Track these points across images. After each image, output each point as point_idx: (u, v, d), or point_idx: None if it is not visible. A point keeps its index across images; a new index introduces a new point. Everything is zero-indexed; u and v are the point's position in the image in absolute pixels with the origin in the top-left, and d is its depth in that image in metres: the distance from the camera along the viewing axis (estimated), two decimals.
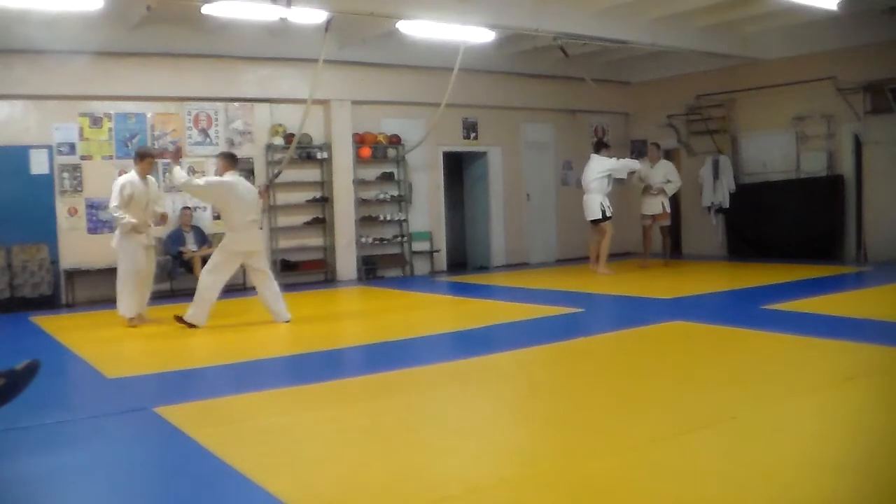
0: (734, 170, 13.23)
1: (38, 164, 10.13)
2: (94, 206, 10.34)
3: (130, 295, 8.02)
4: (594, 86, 12.90)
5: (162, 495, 3.38)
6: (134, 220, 7.90)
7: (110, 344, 7.33)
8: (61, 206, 10.30)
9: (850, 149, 12.13)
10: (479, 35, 10.68)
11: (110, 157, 10.55)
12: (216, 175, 8.25)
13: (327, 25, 9.76)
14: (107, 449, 4.07)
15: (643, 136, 14.58)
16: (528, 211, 14.27)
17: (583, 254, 13.96)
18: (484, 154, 13.83)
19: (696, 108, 13.73)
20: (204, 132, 11.30)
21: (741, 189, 13.16)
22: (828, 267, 11.14)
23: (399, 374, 5.51)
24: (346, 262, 12.22)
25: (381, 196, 12.57)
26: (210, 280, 7.66)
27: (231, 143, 11.47)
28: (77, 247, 10.30)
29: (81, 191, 10.39)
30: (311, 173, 12.15)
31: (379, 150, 12.48)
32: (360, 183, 12.35)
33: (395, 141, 12.61)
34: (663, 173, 12.18)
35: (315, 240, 12.22)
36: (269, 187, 11.60)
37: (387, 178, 12.64)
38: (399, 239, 12.81)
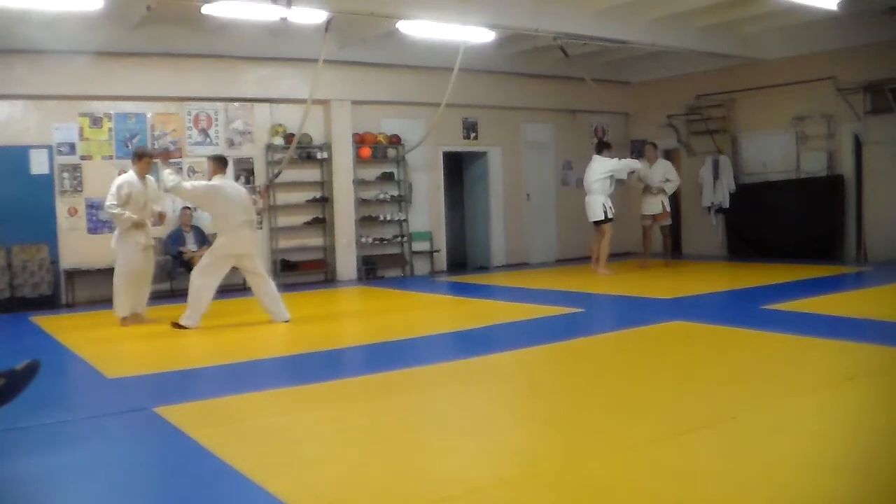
0: (734, 170, 13.23)
1: (38, 164, 10.13)
2: (94, 206, 10.34)
3: (125, 295, 8.06)
4: (594, 86, 12.90)
5: (162, 495, 3.38)
6: (134, 217, 7.93)
7: (110, 344, 7.32)
8: (61, 206, 10.30)
9: (850, 149, 12.13)
10: (479, 35, 10.68)
11: (110, 157, 10.55)
12: (208, 178, 8.22)
13: (327, 25, 9.77)
14: (107, 449, 4.07)
15: (643, 136, 14.56)
16: (528, 211, 14.27)
17: (583, 254, 13.97)
18: (484, 154, 13.83)
19: (696, 108, 13.73)
20: (204, 132, 11.30)
21: (741, 189, 13.16)
22: (828, 267, 11.14)
23: (399, 374, 5.50)
24: (346, 262, 12.22)
25: (381, 196, 12.57)
26: (201, 282, 7.66)
27: (231, 143, 11.48)
28: (77, 247, 10.30)
29: (81, 191, 10.39)
30: (311, 173, 12.15)
31: (379, 150, 12.48)
32: (360, 183, 12.35)
33: (395, 141, 12.61)
34: (662, 172, 12.18)
35: (315, 240, 12.22)
36: (269, 187, 11.61)
37: (387, 178, 12.64)
38: (399, 239, 12.82)
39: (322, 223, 12.21)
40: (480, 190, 14.01)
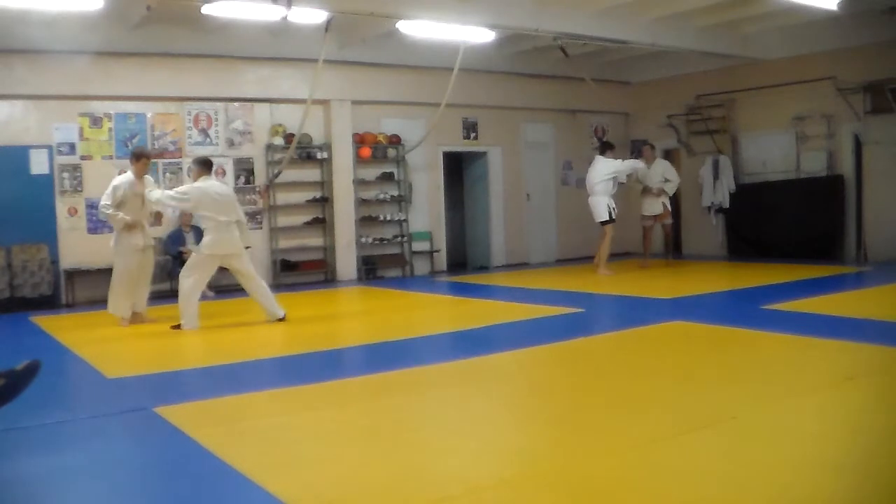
0: (734, 170, 13.23)
1: (38, 164, 10.13)
2: (94, 206, 10.29)
3: (122, 296, 8.09)
4: (594, 86, 12.90)
5: (162, 495, 3.38)
6: (127, 218, 7.94)
7: (110, 344, 7.33)
8: (61, 206, 10.30)
9: (850, 149, 12.12)
10: (479, 35, 10.68)
11: (110, 157, 10.55)
12: (193, 180, 8.21)
13: (327, 25, 9.77)
14: (107, 449, 4.07)
15: (643, 136, 14.55)
16: (528, 211, 14.27)
17: (582, 254, 13.98)
18: (484, 154, 13.83)
19: (696, 108, 13.73)
20: (204, 132, 11.30)
21: (741, 189, 13.16)
22: (828, 267, 11.14)
23: (399, 374, 5.50)
24: (346, 262, 12.22)
25: (381, 196, 12.57)
26: (189, 283, 7.67)
27: (231, 143, 11.48)
28: (77, 247, 10.30)
29: (81, 191, 10.39)
30: (311, 173, 12.15)
31: (379, 150, 12.48)
32: (360, 183, 12.35)
33: (395, 141, 12.61)
34: (661, 172, 12.16)
35: (315, 240, 12.22)
36: (269, 187, 11.62)
37: (387, 178, 12.64)
38: (399, 239, 12.81)
39: (322, 223, 12.21)
40: (480, 190, 14.01)
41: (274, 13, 8.80)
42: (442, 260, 13.40)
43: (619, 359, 5.98)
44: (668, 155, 13.86)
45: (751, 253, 13.01)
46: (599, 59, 13.88)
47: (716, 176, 13.23)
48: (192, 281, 7.68)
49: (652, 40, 11.57)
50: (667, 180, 12.16)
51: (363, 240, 12.41)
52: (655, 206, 12.21)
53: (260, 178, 11.70)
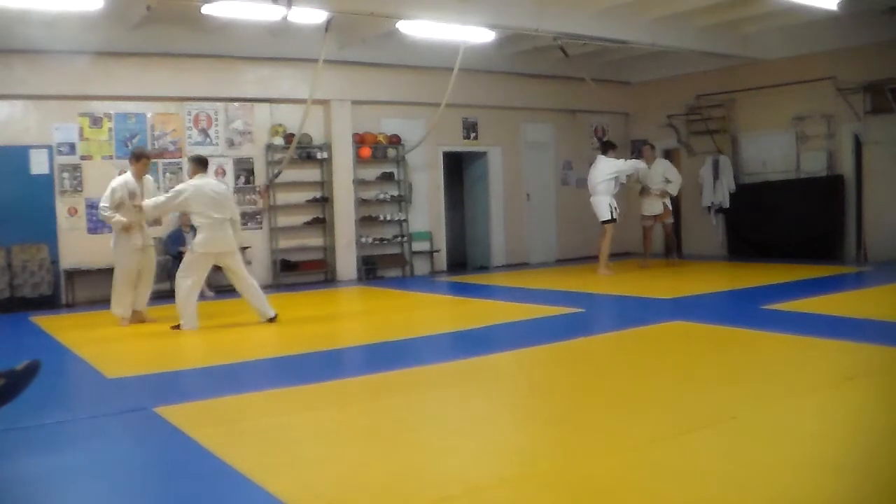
0: (734, 170, 13.23)
1: (38, 164, 10.13)
2: (94, 206, 10.28)
3: (122, 295, 8.11)
4: (594, 86, 12.90)
5: (162, 495, 3.38)
6: (124, 219, 7.95)
7: (110, 344, 7.33)
8: (61, 206, 10.30)
9: (850, 149, 12.13)
10: (479, 35, 10.68)
11: (110, 157, 10.55)
12: (189, 178, 8.21)
13: (327, 25, 9.77)
14: (107, 449, 4.07)
15: (643, 136, 14.56)
16: (528, 211, 14.27)
17: (583, 254, 14.00)
18: (484, 154, 13.83)
19: (696, 108, 13.73)
20: (204, 132, 11.30)
21: (741, 189, 13.16)
22: (828, 267, 11.14)
23: (399, 374, 5.50)
24: (346, 262, 12.22)
25: (381, 196, 12.57)
26: (186, 284, 7.68)
27: (231, 143, 11.48)
28: (77, 247, 10.30)
29: (81, 191, 10.39)
30: (311, 173, 12.15)
31: (379, 150, 12.48)
32: (360, 183, 12.35)
33: (395, 141, 12.61)
34: (661, 172, 12.15)
35: (315, 240, 12.22)
36: (269, 187, 11.62)
37: (387, 178, 12.64)
38: (399, 239, 12.81)
39: (322, 223, 12.21)
40: (480, 190, 14.01)
41: (274, 13, 8.81)
42: (442, 260, 13.40)
43: (619, 359, 5.98)
44: (668, 155, 13.86)
45: (751, 253, 13.01)
46: (599, 59, 13.88)
47: (716, 176, 13.23)
48: (188, 281, 7.68)
49: (652, 40, 11.57)
50: (668, 181, 12.15)
51: (363, 240, 12.41)
52: (656, 205, 12.21)
53: (260, 178, 11.70)
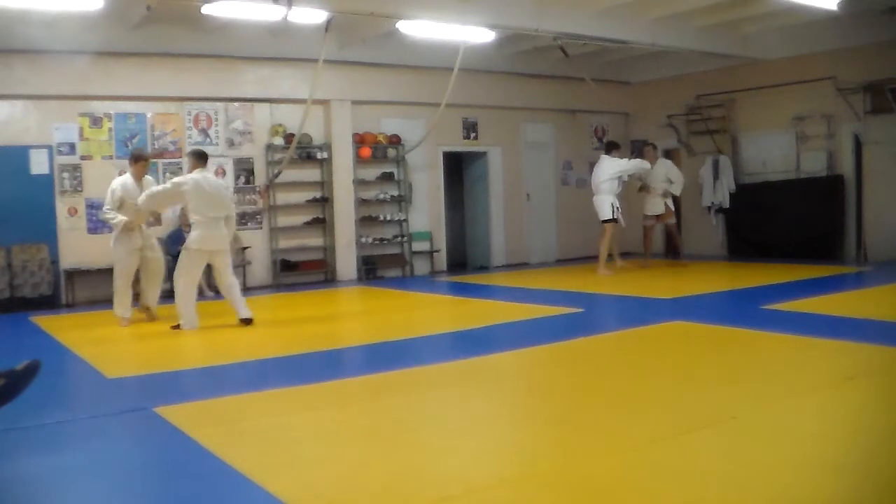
0: (734, 170, 13.23)
1: (38, 164, 10.13)
2: (94, 206, 10.32)
3: (122, 295, 8.13)
4: (594, 86, 12.90)
5: (162, 495, 3.38)
6: (124, 218, 7.98)
7: (110, 344, 7.33)
8: (61, 206, 10.30)
9: (850, 149, 12.13)
10: (479, 35, 10.68)
11: (110, 157, 10.55)
12: (188, 173, 8.19)
13: (327, 25, 9.77)
14: (107, 449, 4.07)
15: (643, 136, 14.57)
16: (528, 211, 14.27)
17: (583, 254, 14.00)
18: (484, 154, 13.83)
19: (696, 108, 13.73)
20: (204, 132, 11.30)
21: (741, 189, 13.16)
22: (828, 267, 11.14)
23: (399, 374, 5.51)
24: (346, 262, 12.22)
25: (381, 196, 12.57)
26: (182, 283, 7.68)
27: (231, 143, 11.48)
28: (77, 247, 10.30)
29: (81, 191, 10.39)
30: (311, 173, 12.15)
31: (379, 150, 12.48)
32: (360, 183, 12.35)
33: (395, 141, 12.61)
34: (663, 172, 12.13)
35: (315, 240, 12.22)
36: (269, 187, 11.62)
37: (387, 178, 12.64)
38: (399, 239, 12.81)
39: (322, 223, 12.21)
40: (480, 190, 14.01)
41: (274, 13, 8.81)
42: (442, 260, 13.40)
43: (619, 359, 5.98)
44: (668, 155, 13.84)
45: (751, 253, 13.01)
46: (599, 59, 13.88)
47: (716, 176, 13.23)
48: (184, 280, 7.67)
49: (652, 40, 11.57)
50: (670, 181, 12.13)
51: (363, 240, 12.41)
52: (657, 205, 12.19)
53: (260, 178, 11.70)
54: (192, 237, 7.74)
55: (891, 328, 6.36)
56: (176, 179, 8.00)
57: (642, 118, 14.95)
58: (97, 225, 10.34)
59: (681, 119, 14.08)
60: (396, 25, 10.08)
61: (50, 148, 10.20)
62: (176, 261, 10.33)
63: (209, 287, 10.01)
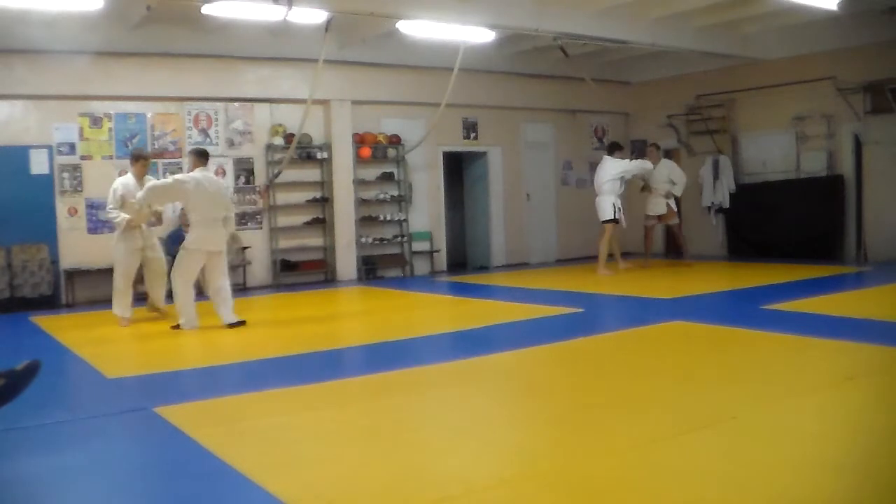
0: (734, 170, 13.23)
1: (38, 164, 10.13)
2: (94, 206, 10.33)
3: (122, 295, 8.13)
4: (594, 86, 12.90)
5: (162, 495, 3.38)
6: (127, 216, 8.00)
7: (110, 344, 7.33)
8: (61, 206, 10.30)
9: (850, 149, 12.13)
10: (479, 35, 10.68)
11: (110, 157, 10.55)
12: (189, 171, 8.18)
13: (327, 25, 9.77)
14: (107, 449, 4.07)
15: (643, 136, 14.58)
16: (528, 211, 14.27)
17: (583, 254, 14.00)
18: (484, 154, 13.83)
19: (696, 108, 13.73)
20: (204, 132, 11.30)
21: (741, 189, 13.16)
22: (828, 267, 11.14)
23: (399, 374, 5.51)
24: (346, 262, 12.22)
25: (381, 196, 12.57)
26: (181, 281, 7.66)
27: (231, 143, 11.48)
28: (77, 247, 10.30)
29: (81, 191, 10.39)
30: (311, 173, 12.15)
31: (379, 150, 12.48)
32: (360, 183, 12.35)
33: (395, 141, 12.61)
34: (666, 173, 12.11)
35: (315, 240, 12.22)
36: (269, 187, 11.62)
37: (387, 178, 12.64)
38: (399, 239, 12.81)
39: (322, 223, 12.21)
40: (480, 190, 14.01)
41: (274, 13, 8.80)
42: (442, 260, 13.40)
43: (619, 359, 5.98)
44: (668, 155, 13.82)
45: (751, 253, 13.01)
46: (599, 59, 13.87)
47: (716, 176, 13.23)
48: (181, 280, 7.65)
49: (652, 40, 11.57)
50: (673, 182, 12.12)
51: (363, 240, 12.41)
52: (660, 206, 12.17)
53: (260, 178, 11.70)
54: (191, 237, 7.72)
55: (891, 328, 6.36)
56: (178, 176, 7.99)
57: (642, 118, 14.94)
58: (97, 225, 10.35)
59: (681, 119, 14.08)
60: (396, 25, 10.07)
61: (50, 148, 10.20)
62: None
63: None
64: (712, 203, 13.37)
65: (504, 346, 6.42)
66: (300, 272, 11.95)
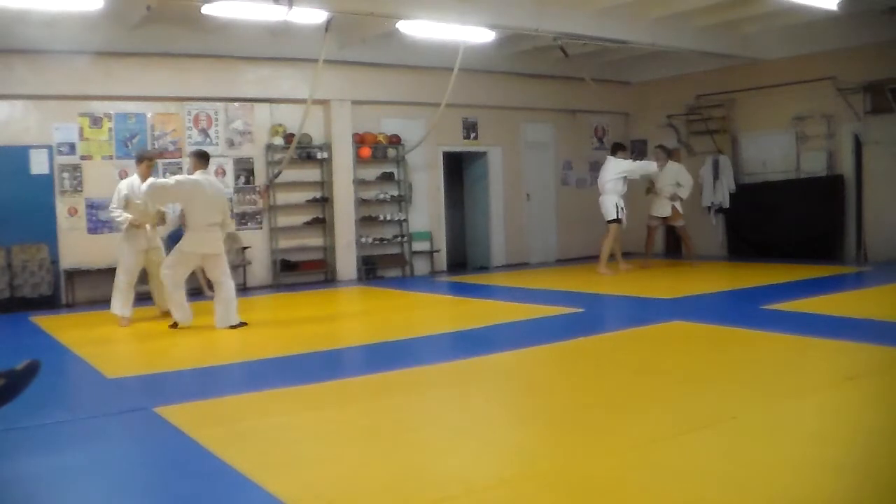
0: (734, 170, 13.23)
1: (38, 164, 10.13)
2: (94, 206, 10.34)
3: (122, 295, 8.14)
4: (594, 86, 12.90)
5: (162, 495, 3.38)
6: (129, 216, 8.01)
7: (110, 344, 7.33)
8: (61, 206, 10.30)
9: (850, 149, 12.13)
10: (479, 35, 10.68)
11: (110, 158, 10.55)
12: (189, 173, 8.18)
13: (327, 25, 9.77)
14: (107, 449, 4.07)
15: (643, 136, 14.59)
16: (528, 211, 14.27)
17: (583, 254, 14.00)
18: (484, 154, 13.83)
19: (696, 108, 13.73)
20: (204, 132, 11.30)
21: (741, 189, 13.16)
22: (828, 267, 11.14)
23: (399, 374, 5.51)
24: (346, 262, 12.22)
25: (381, 196, 12.57)
26: (170, 274, 7.66)
27: (231, 143, 11.48)
28: (77, 247, 10.30)
29: (81, 191, 10.38)
30: (311, 173, 12.15)
31: (379, 150, 12.48)
32: (360, 183, 12.35)
33: (395, 141, 12.61)
34: (672, 177, 12.07)
35: (315, 240, 12.21)
36: (269, 187, 11.62)
37: (387, 178, 12.64)
38: (399, 239, 12.81)
39: (322, 223, 12.20)
40: (480, 190, 14.01)
41: (274, 13, 8.80)
42: (442, 260, 13.40)
43: (619, 359, 5.98)
44: (669, 155, 13.83)
45: (751, 253, 13.01)
46: (599, 59, 13.87)
47: (716, 176, 13.23)
48: (170, 273, 7.64)
49: (652, 40, 11.57)
50: (679, 185, 12.10)
51: (363, 240, 12.41)
52: (665, 207, 12.16)
53: (260, 178, 11.70)
54: (186, 239, 7.71)
55: (891, 328, 6.36)
56: (179, 177, 7.99)
57: (642, 118, 14.95)
58: (97, 225, 10.35)
59: (681, 119, 14.08)
60: (396, 25, 10.07)
61: (50, 148, 10.20)
62: None
63: (210, 288, 10.00)
64: (712, 203, 13.37)
65: (504, 346, 6.42)
66: (300, 272, 11.95)
